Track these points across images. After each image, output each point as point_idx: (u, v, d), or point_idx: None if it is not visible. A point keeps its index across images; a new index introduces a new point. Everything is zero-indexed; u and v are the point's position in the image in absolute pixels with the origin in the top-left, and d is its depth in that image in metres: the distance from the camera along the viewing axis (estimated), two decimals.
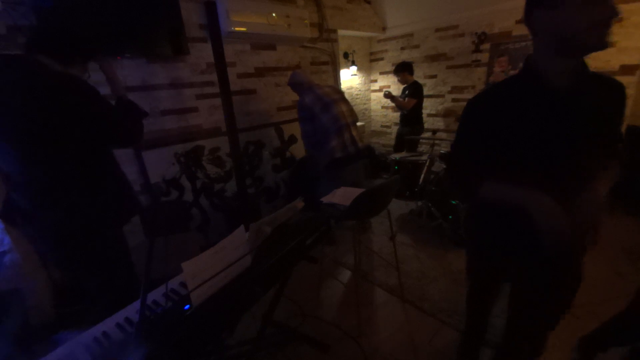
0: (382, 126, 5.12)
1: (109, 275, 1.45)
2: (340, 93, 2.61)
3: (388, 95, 3.92)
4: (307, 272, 2.50)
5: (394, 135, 4.70)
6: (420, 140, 4.22)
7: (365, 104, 5.08)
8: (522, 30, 3.35)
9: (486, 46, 3.65)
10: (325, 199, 1.96)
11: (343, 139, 2.46)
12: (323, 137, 2.44)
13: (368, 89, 5.08)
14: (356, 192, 1.86)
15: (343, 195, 1.96)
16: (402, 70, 3.79)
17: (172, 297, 1.07)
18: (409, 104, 3.80)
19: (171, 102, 2.52)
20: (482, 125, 0.97)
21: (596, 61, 2.96)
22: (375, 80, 5.01)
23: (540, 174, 0.88)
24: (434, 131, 4.43)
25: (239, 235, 1.11)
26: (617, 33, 2.80)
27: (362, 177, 2.67)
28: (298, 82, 2.54)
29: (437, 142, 3.25)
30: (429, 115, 4.46)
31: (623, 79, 2.88)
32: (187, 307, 0.95)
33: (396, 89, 4.72)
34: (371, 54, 4.94)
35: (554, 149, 0.87)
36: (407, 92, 3.85)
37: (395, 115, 4.70)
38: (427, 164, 3.09)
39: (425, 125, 4.51)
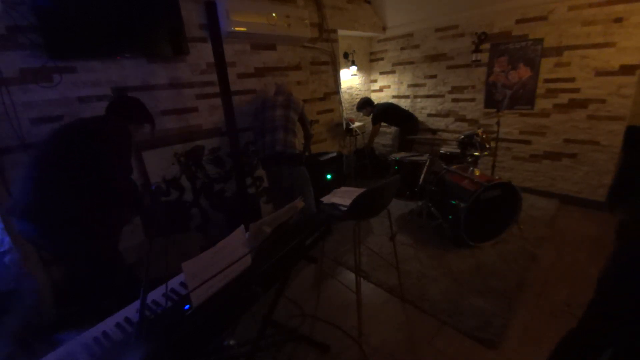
0: (382, 126, 5.12)
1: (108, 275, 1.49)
2: (287, 100, 2.64)
3: (369, 144, 4.43)
4: (307, 272, 2.50)
5: (394, 135, 4.72)
6: (420, 140, 4.24)
7: None
8: (522, 30, 3.35)
9: (486, 46, 3.64)
10: (326, 199, 1.96)
11: (264, 140, 2.56)
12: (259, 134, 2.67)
13: (368, 89, 5.07)
14: (356, 192, 1.86)
15: (343, 195, 1.96)
16: (363, 106, 4.26)
17: (172, 297, 1.07)
18: (375, 130, 4.30)
19: (171, 102, 2.52)
20: None
21: (596, 61, 2.96)
22: (375, 80, 5.00)
23: None
24: (434, 131, 4.46)
25: (239, 235, 1.11)
26: (617, 33, 2.80)
27: (294, 182, 2.61)
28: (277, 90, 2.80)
29: (437, 142, 3.25)
30: (429, 115, 4.46)
31: (623, 79, 2.90)
32: (187, 307, 0.95)
33: (395, 89, 4.74)
34: (371, 54, 4.93)
35: None
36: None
37: None
38: (427, 164, 3.08)
39: (425, 125, 4.53)
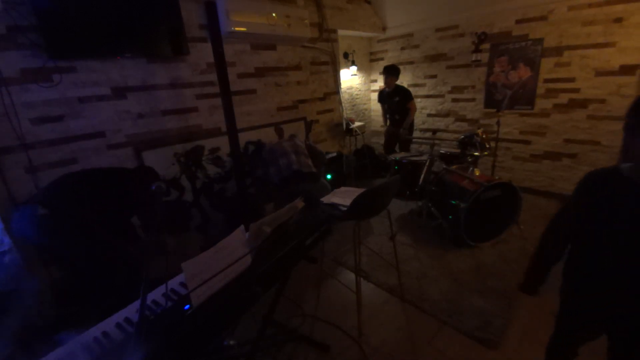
0: (382, 126, 5.11)
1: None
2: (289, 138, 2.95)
3: (406, 130, 3.83)
4: (307, 272, 2.50)
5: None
6: (420, 140, 4.23)
7: (365, 104, 5.08)
8: (522, 30, 3.35)
9: (486, 46, 3.65)
10: (326, 199, 1.96)
11: (279, 164, 2.72)
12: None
13: (368, 89, 5.08)
14: (356, 192, 1.86)
15: (343, 195, 1.96)
16: (391, 73, 3.78)
17: (172, 297, 1.07)
18: (414, 107, 3.86)
19: (171, 102, 2.52)
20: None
21: (596, 61, 2.96)
22: (375, 80, 5.01)
23: None
24: (434, 131, 4.45)
25: (239, 235, 1.12)
26: (617, 33, 2.80)
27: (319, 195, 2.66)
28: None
29: (437, 142, 3.25)
30: (429, 115, 4.46)
31: (623, 79, 2.90)
32: (187, 307, 0.95)
33: None
34: (371, 54, 4.93)
35: None
36: (397, 98, 3.85)
37: None
38: (427, 164, 3.08)
39: (425, 125, 4.53)
